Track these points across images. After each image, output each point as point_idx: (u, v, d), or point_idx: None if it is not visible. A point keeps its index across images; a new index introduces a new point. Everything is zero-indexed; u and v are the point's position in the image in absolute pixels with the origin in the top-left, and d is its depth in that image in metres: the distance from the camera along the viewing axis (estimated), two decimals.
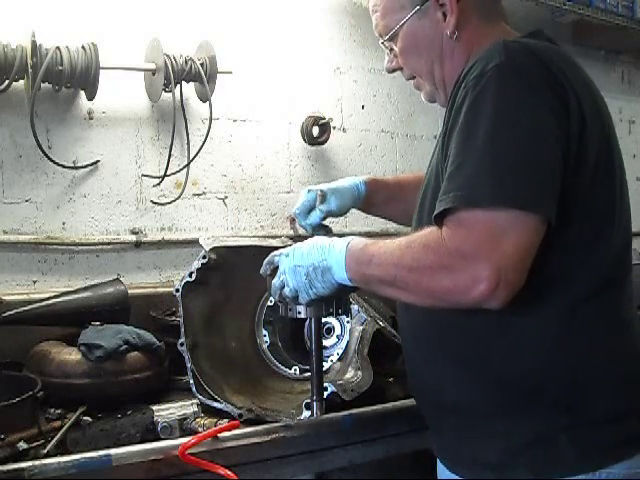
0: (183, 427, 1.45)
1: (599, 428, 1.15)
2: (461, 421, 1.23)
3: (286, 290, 1.26)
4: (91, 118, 2.03)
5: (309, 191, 1.59)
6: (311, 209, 1.58)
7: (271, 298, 1.81)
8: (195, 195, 2.21)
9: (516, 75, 1.09)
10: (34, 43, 1.77)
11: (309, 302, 1.26)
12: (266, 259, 1.33)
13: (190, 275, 1.68)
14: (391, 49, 1.39)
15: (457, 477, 1.26)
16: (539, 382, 1.15)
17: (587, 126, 1.12)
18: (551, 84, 1.10)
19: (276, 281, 1.27)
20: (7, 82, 1.82)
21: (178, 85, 2.07)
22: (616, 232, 1.19)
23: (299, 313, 1.30)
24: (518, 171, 1.05)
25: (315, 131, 2.38)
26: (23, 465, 1.21)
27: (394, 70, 1.42)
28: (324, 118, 2.37)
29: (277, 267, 1.30)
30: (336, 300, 1.30)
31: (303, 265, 1.22)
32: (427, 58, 1.33)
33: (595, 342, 1.17)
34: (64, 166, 1.97)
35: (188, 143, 2.13)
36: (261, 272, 1.34)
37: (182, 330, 1.65)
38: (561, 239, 1.12)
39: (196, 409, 1.50)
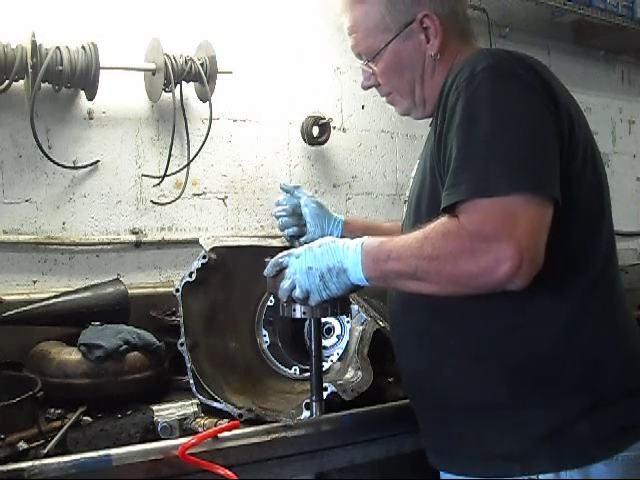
0: (183, 427, 1.45)
1: (615, 407, 1.19)
2: (477, 417, 1.23)
3: (297, 292, 1.24)
4: (91, 118, 2.04)
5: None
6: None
7: (271, 298, 1.81)
8: (195, 195, 2.21)
9: (506, 74, 1.14)
10: (34, 43, 1.77)
11: (318, 303, 1.26)
12: (272, 260, 1.31)
13: (190, 275, 1.68)
14: (369, 67, 1.41)
15: (466, 477, 1.26)
16: (558, 366, 1.17)
17: (574, 122, 1.18)
18: (540, 82, 1.15)
19: (285, 283, 1.26)
20: (7, 82, 1.82)
21: (178, 85, 2.07)
22: (607, 215, 1.27)
23: (304, 313, 1.29)
24: (523, 157, 1.09)
25: (315, 131, 2.38)
26: (23, 465, 1.21)
27: (371, 87, 1.45)
28: (324, 118, 2.37)
29: (283, 268, 1.28)
30: (340, 300, 1.30)
31: (317, 267, 1.22)
32: (409, 77, 1.37)
33: (606, 319, 1.22)
34: (64, 166, 1.97)
35: (188, 143, 2.13)
36: (265, 273, 1.32)
37: (182, 330, 1.65)
38: (570, 221, 1.16)
39: (196, 409, 1.50)
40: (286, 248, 1.38)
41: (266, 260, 1.34)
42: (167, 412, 1.47)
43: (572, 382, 1.18)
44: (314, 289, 1.23)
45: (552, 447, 1.16)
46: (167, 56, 1.99)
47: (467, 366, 1.23)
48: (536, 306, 1.18)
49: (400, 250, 1.14)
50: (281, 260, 1.29)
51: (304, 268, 1.23)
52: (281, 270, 1.29)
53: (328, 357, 1.74)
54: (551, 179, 1.10)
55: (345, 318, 1.73)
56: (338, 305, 1.31)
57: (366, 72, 1.43)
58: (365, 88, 1.47)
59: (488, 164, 1.08)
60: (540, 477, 1.16)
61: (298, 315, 1.30)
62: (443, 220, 1.12)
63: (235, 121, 2.28)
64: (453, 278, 1.09)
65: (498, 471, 1.20)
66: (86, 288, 1.84)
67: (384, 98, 1.47)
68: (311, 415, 1.39)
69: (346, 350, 1.72)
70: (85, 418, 1.47)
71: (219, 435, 1.37)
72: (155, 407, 1.49)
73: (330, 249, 1.22)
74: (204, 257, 1.69)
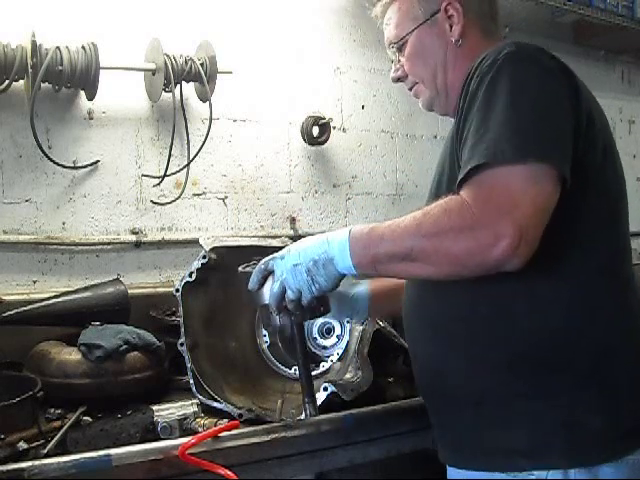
0: (183, 427, 1.45)
1: (628, 402, 1.19)
2: (488, 409, 1.22)
3: (289, 293, 1.20)
4: (91, 118, 2.04)
5: None
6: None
7: None
8: (195, 195, 2.21)
9: (529, 59, 1.17)
10: (34, 43, 1.77)
11: (310, 301, 1.21)
12: (255, 270, 1.25)
13: (190, 275, 1.68)
14: (398, 60, 1.47)
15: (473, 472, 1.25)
16: (569, 355, 1.17)
17: (594, 117, 1.19)
18: (561, 69, 1.17)
19: (275, 286, 1.21)
20: (7, 82, 1.82)
21: (178, 85, 2.07)
22: (626, 209, 1.28)
23: (280, 319, 1.24)
24: (537, 131, 1.09)
25: (315, 131, 2.38)
26: (23, 465, 1.21)
27: (399, 79, 1.50)
28: (324, 118, 2.37)
29: (269, 274, 1.23)
30: (317, 301, 1.24)
31: (302, 262, 1.18)
32: (432, 64, 1.42)
33: (619, 312, 1.23)
34: (64, 166, 1.97)
35: (188, 143, 2.13)
36: (250, 287, 1.25)
37: (182, 330, 1.65)
38: (583, 206, 1.18)
39: (196, 409, 1.50)
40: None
41: (242, 271, 1.28)
42: (167, 412, 1.47)
43: (583, 373, 1.17)
44: (303, 286, 1.18)
45: (562, 441, 1.16)
46: (167, 56, 1.99)
47: (477, 356, 1.23)
48: (546, 291, 1.18)
49: (396, 231, 1.12)
50: (263, 266, 1.24)
51: (289, 267, 1.19)
52: (266, 278, 1.24)
53: (328, 357, 1.73)
54: (562, 158, 1.10)
55: (345, 318, 1.73)
56: (318, 304, 1.25)
57: (395, 64, 1.49)
58: (394, 80, 1.51)
59: (500, 138, 1.08)
60: (549, 477, 1.15)
61: (278, 323, 1.25)
62: (445, 198, 1.11)
63: (235, 121, 2.28)
64: (451, 256, 1.08)
65: (505, 466, 1.19)
66: (86, 288, 1.84)
67: (410, 92, 1.51)
68: (305, 417, 1.37)
69: (346, 350, 1.71)
70: (85, 418, 1.47)
71: (219, 435, 1.37)
72: (155, 407, 1.49)
73: (314, 242, 1.19)
74: (204, 257, 1.69)
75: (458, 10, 1.39)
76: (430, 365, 1.33)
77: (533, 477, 1.16)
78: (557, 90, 1.14)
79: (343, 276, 1.20)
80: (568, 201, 1.10)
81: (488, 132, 1.10)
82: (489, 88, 1.14)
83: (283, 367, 1.78)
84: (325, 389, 1.49)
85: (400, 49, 1.45)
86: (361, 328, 1.70)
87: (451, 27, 1.39)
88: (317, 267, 1.18)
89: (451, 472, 1.31)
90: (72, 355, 1.58)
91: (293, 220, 2.39)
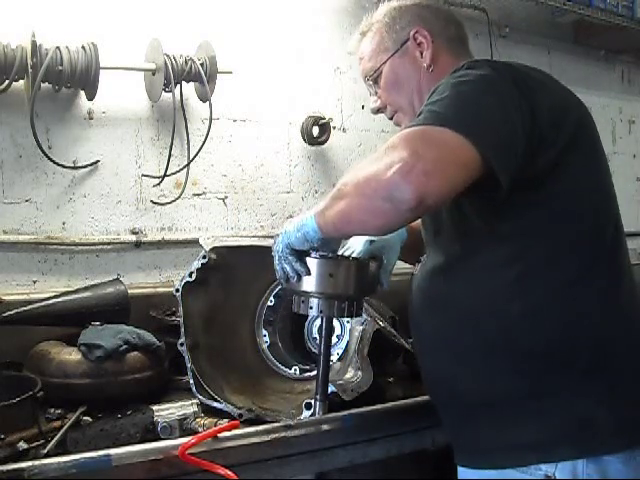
0: (183, 427, 1.45)
1: (634, 393, 1.21)
2: (497, 411, 1.24)
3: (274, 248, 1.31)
4: (91, 118, 2.04)
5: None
6: None
7: (271, 298, 1.82)
8: (195, 195, 2.21)
9: (479, 66, 1.21)
10: (34, 43, 1.77)
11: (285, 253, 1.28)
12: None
13: (190, 275, 1.69)
14: (376, 92, 1.53)
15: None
16: (567, 351, 1.19)
17: (557, 114, 1.21)
18: (514, 77, 1.19)
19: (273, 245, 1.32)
20: (7, 82, 1.82)
21: (178, 85, 2.07)
22: (614, 206, 1.31)
23: (321, 312, 1.31)
24: (472, 111, 1.13)
25: (315, 131, 2.38)
26: (23, 465, 1.21)
27: (379, 110, 1.56)
28: (324, 118, 2.37)
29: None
30: (350, 300, 1.31)
31: (287, 227, 1.29)
32: (407, 91, 1.48)
33: (614, 300, 1.24)
34: (64, 166, 1.97)
35: (188, 143, 2.13)
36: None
37: (182, 330, 1.65)
38: (569, 206, 1.21)
39: (196, 409, 1.50)
40: None
41: None
42: (167, 412, 1.47)
43: (584, 367, 1.19)
44: (281, 241, 1.28)
45: (568, 433, 1.17)
46: (167, 56, 1.99)
47: (481, 361, 1.25)
48: (537, 292, 1.20)
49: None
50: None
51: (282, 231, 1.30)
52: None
53: None
54: (489, 137, 1.10)
55: (345, 318, 1.73)
56: (355, 306, 1.33)
57: (373, 96, 1.55)
58: (374, 111, 1.58)
59: (438, 110, 1.13)
60: (557, 471, 1.16)
61: (315, 313, 1.31)
62: None
63: (235, 121, 2.28)
64: (358, 181, 1.11)
65: (514, 461, 1.21)
66: (86, 288, 1.85)
67: (392, 121, 1.57)
68: (313, 414, 1.38)
69: (346, 350, 1.71)
70: (85, 418, 1.47)
71: (219, 435, 1.37)
72: (155, 407, 1.49)
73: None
74: (204, 257, 1.69)
75: (426, 37, 1.44)
76: (438, 373, 1.35)
77: (541, 472, 1.17)
78: (508, 89, 1.16)
79: (313, 238, 1.23)
80: (555, 201, 1.14)
81: (430, 110, 1.14)
82: (437, 89, 1.20)
83: (283, 367, 1.78)
84: None
85: (376, 81, 1.51)
86: (361, 328, 1.70)
87: (421, 54, 1.45)
88: (295, 229, 1.26)
89: (463, 473, 1.32)
90: (72, 355, 1.59)
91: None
